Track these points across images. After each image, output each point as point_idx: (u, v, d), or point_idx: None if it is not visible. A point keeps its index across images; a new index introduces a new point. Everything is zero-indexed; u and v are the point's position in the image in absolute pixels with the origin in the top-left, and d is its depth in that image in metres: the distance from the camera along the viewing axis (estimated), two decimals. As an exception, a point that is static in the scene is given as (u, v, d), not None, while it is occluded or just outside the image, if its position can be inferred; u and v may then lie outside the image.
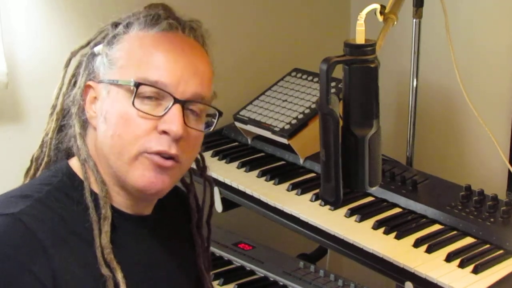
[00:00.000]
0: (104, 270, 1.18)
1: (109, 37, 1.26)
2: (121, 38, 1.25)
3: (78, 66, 1.31)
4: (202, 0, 2.23)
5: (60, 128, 1.31)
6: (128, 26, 1.25)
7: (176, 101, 1.20)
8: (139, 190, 1.23)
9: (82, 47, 1.32)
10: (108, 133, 1.22)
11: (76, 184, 1.23)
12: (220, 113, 1.30)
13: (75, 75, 1.31)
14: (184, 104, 1.21)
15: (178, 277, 1.37)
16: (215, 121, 1.30)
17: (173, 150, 1.20)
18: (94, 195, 1.23)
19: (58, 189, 1.22)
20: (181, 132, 1.20)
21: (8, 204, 1.17)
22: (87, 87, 1.26)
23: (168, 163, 1.21)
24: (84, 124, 1.27)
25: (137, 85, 1.19)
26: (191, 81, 1.23)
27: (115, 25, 1.27)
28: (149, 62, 1.21)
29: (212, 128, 1.29)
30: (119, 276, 1.19)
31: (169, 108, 1.20)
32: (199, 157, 1.44)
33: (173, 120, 1.20)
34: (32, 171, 1.33)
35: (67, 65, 1.33)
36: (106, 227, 1.20)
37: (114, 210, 1.25)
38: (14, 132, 1.93)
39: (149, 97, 1.20)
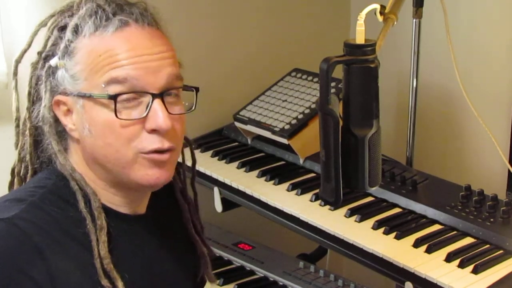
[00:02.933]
0: (104, 282, 1.18)
1: (62, 48, 1.21)
2: (75, 47, 1.20)
3: (33, 79, 1.26)
4: (203, 0, 2.23)
5: (37, 142, 1.28)
6: (76, 31, 1.21)
7: (154, 96, 1.19)
8: (145, 187, 1.24)
9: (25, 51, 1.29)
10: (98, 143, 1.20)
11: (69, 186, 1.22)
12: (197, 89, 1.29)
13: (33, 88, 1.26)
14: (162, 96, 1.20)
15: (176, 272, 1.37)
16: (194, 98, 1.28)
17: (166, 144, 1.20)
18: (88, 203, 1.21)
19: (52, 192, 1.22)
20: (169, 124, 1.19)
21: (2, 208, 1.17)
22: (56, 103, 1.23)
23: (165, 156, 1.21)
24: (61, 137, 1.25)
25: (113, 97, 1.17)
26: (159, 68, 1.21)
27: (61, 29, 1.24)
28: (112, 63, 1.18)
29: (194, 106, 1.28)
30: (120, 285, 1.19)
31: (150, 106, 1.19)
32: None
33: (158, 116, 1.19)
34: (16, 185, 1.32)
35: (16, 73, 1.30)
36: (103, 237, 1.20)
37: (110, 212, 1.24)
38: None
39: (127, 100, 1.19)
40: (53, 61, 1.22)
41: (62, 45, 1.22)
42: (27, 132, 1.28)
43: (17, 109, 1.30)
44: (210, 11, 2.25)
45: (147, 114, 1.19)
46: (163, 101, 1.20)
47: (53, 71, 1.23)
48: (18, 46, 1.89)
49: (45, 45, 1.25)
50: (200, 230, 1.45)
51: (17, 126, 1.31)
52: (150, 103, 1.19)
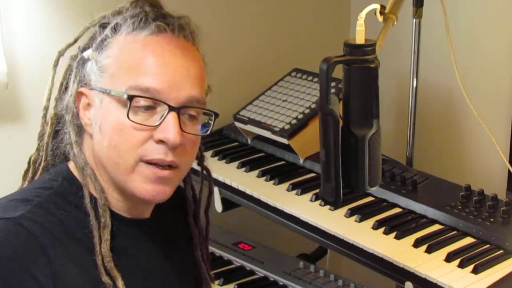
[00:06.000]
0: (105, 279, 1.18)
1: (98, 41, 1.24)
2: (110, 42, 1.23)
3: (68, 71, 1.29)
4: (202, 1, 2.23)
5: (56, 133, 1.30)
6: (115, 29, 1.23)
7: (171, 108, 1.19)
8: (139, 200, 1.23)
9: (70, 45, 1.31)
10: (104, 143, 1.21)
11: (75, 189, 1.23)
12: (216, 115, 1.28)
13: (66, 79, 1.29)
14: (179, 111, 1.20)
15: (178, 279, 1.37)
16: (212, 123, 1.28)
17: (169, 158, 1.19)
18: (93, 200, 1.22)
19: (58, 193, 1.22)
20: (178, 140, 1.19)
21: (9, 208, 1.17)
22: (79, 94, 1.25)
23: (166, 172, 1.20)
24: (80, 130, 1.26)
25: (130, 98, 1.18)
26: (183, 85, 1.21)
27: (103, 26, 1.26)
28: (139, 69, 1.19)
29: (209, 131, 1.28)
30: (120, 284, 1.19)
31: (164, 117, 1.19)
32: None
33: (169, 128, 1.18)
34: (30, 174, 1.32)
35: (56, 64, 1.32)
36: (106, 235, 1.20)
37: (113, 215, 1.24)
38: (14, 132, 1.93)
39: (143, 107, 1.19)
40: (86, 53, 1.25)
41: (98, 39, 1.24)
42: (48, 121, 1.30)
43: (48, 98, 1.31)
44: (210, 11, 2.26)
45: (160, 124, 1.19)
46: (178, 116, 1.20)
47: (84, 62, 1.25)
48: (18, 46, 1.91)
49: (82, 33, 1.29)
50: (206, 259, 1.45)
51: (44, 116, 1.32)
52: (165, 114, 1.19)
